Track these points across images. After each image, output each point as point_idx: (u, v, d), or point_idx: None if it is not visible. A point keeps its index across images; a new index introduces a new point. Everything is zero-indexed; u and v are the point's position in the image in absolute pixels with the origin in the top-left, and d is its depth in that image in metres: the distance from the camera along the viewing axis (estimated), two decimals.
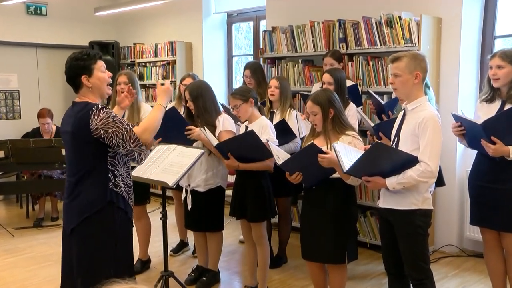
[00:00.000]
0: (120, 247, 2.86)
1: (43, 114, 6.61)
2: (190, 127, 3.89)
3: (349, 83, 4.56)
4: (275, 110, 4.54)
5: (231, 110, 3.98)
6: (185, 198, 4.05)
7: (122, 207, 2.86)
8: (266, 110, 4.53)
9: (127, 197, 2.90)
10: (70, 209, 2.82)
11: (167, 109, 3.25)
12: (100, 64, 2.84)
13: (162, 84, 3.22)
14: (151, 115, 3.03)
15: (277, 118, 4.44)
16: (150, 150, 3.68)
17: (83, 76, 2.79)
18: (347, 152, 2.99)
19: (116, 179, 2.82)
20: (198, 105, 3.98)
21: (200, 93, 4.01)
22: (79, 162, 2.79)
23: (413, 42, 4.57)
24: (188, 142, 3.89)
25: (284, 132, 4.18)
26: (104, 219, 2.79)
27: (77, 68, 2.78)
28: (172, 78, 7.27)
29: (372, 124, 3.85)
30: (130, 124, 2.82)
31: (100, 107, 2.74)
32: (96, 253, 2.79)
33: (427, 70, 2.97)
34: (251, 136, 3.64)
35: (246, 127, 3.97)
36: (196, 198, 4.01)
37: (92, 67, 2.81)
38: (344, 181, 3.21)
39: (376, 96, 4.25)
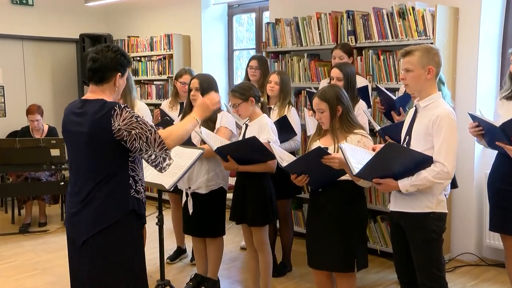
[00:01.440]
0: (135, 257, 2.83)
1: (32, 110, 6.58)
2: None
3: (359, 79, 4.57)
4: (272, 106, 4.57)
5: (231, 107, 4.01)
6: (186, 202, 4.06)
7: (142, 213, 2.85)
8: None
9: (144, 203, 2.89)
10: (82, 219, 2.75)
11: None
12: (129, 70, 2.91)
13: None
14: (182, 123, 2.99)
15: (274, 115, 4.47)
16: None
17: (119, 73, 2.81)
18: (354, 152, 3.01)
19: (137, 184, 2.80)
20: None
21: (211, 86, 4.05)
22: (96, 167, 2.73)
23: (428, 35, 4.58)
24: (187, 141, 3.91)
25: (284, 130, 4.20)
26: (122, 228, 2.75)
27: (120, 64, 2.80)
28: (168, 74, 7.30)
29: (378, 127, 3.87)
30: (154, 126, 2.78)
31: (122, 106, 2.71)
32: (111, 266, 2.76)
33: (440, 65, 2.99)
34: (252, 141, 3.67)
35: (246, 125, 4.00)
36: (197, 201, 4.03)
37: (127, 69, 2.85)
38: (355, 182, 3.22)
39: (386, 91, 4.26)
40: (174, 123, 4.03)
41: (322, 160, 3.12)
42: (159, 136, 2.73)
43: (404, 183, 2.91)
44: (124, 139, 2.67)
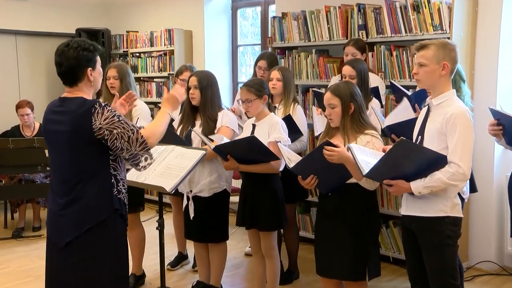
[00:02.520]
0: (118, 260, 2.90)
1: (21, 104, 6.62)
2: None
3: (372, 77, 4.56)
4: (277, 105, 4.56)
5: (239, 102, 4.01)
6: (187, 206, 4.07)
7: (124, 214, 2.92)
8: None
9: (127, 203, 2.96)
10: (65, 220, 2.81)
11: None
12: (99, 57, 2.93)
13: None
14: (158, 120, 3.07)
15: (279, 114, 4.45)
16: None
17: (89, 68, 2.84)
18: (364, 153, 3.01)
19: (119, 184, 2.88)
20: (206, 96, 4.02)
21: (210, 83, 4.06)
22: (78, 166, 2.80)
23: (444, 29, 4.56)
24: (188, 141, 3.92)
25: (289, 130, 4.20)
26: (106, 229, 2.82)
27: (84, 60, 2.82)
28: (169, 71, 7.31)
29: (384, 125, 3.86)
30: (136, 125, 2.87)
31: (103, 104, 2.77)
32: (94, 268, 2.82)
33: (456, 62, 3.00)
34: (251, 141, 3.68)
35: (253, 125, 4.00)
36: (199, 205, 4.03)
37: (96, 59, 2.88)
38: (359, 183, 3.22)
39: (401, 87, 4.25)
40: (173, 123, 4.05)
41: (323, 153, 3.11)
42: (142, 136, 2.82)
43: (417, 185, 2.90)
44: (105, 138, 2.74)
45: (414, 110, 4.04)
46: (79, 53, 2.80)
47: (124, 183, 2.94)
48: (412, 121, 3.27)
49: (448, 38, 4.44)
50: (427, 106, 3.06)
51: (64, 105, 2.83)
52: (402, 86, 4.74)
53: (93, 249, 2.80)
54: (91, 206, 2.79)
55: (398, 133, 3.51)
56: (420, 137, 3.03)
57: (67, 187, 2.82)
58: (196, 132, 3.80)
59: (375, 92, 4.47)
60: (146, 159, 2.87)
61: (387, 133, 3.71)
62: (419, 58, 2.99)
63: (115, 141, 2.75)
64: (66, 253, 2.82)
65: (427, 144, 2.96)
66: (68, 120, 2.77)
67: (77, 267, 2.81)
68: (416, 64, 3.02)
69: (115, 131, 2.74)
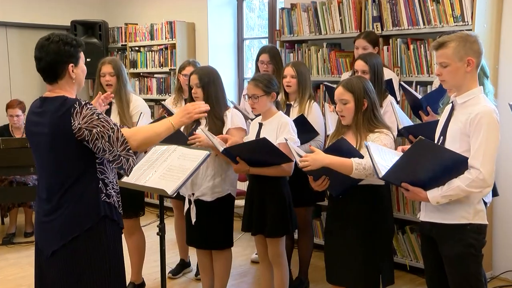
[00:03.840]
0: (112, 268, 2.89)
1: (12, 104, 6.61)
2: (195, 135, 3.91)
3: (385, 72, 4.54)
4: (292, 103, 4.56)
5: (246, 98, 4.01)
6: (188, 210, 4.06)
7: (116, 219, 2.90)
8: (282, 103, 4.54)
9: (119, 206, 2.94)
10: (50, 227, 2.81)
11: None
12: (82, 53, 2.91)
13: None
14: (153, 125, 3.05)
15: (294, 112, 4.47)
16: (145, 152, 3.71)
17: (70, 64, 2.82)
18: (381, 153, 3.00)
19: (107, 188, 2.86)
20: (209, 93, 4.01)
21: (213, 79, 4.05)
22: (60, 171, 2.79)
23: (465, 20, 4.53)
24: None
25: (303, 129, 4.19)
26: (95, 236, 2.81)
27: (66, 55, 2.80)
28: (171, 66, 7.32)
29: (401, 126, 3.85)
30: (118, 124, 2.84)
31: (82, 102, 2.75)
32: (84, 279, 2.81)
33: (481, 54, 2.95)
34: (263, 143, 3.68)
35: (260, 124, 4.00)
36: (201, 209, 4.03)
37: (79, 55, 2.86)
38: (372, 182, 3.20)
39: (408, 87, 4.24)
40: None
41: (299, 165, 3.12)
42: (122, 135, 2.78)
43: (434, 195, 2.89)
44: (86, 139, 2.72)
45: (427, 113, 4.04)
46: (60, 48, 2.78)
47: (114, 185, 2.91)
48: (433, 123, 3.25)
49: (470, 30, 4.42)
50: (451, 104, 3.03)
51: (44, 105, 2.82)
52: (420, 82, 4.76)
53: (82, 257, 2.80)
54: (76, 214, 2.78)
55: (416, 134, 3.49)
56: (442, 137, 3.01)
57: (50, 192, 2.81)
58: (205, 132, 3.79)
59: (389, 85, 4.45)
60: (127, 161, 2.81)
61: (404, 134, 3.70)
62: (439, 58, 2.95)
63: (96, 141, 2.72)
64: (53, 262, 2.82)
65: (449, 145, 2.94)
66: (47, 122, 2.76)
67: (65, 278, 2.81)
68: (437, 64, 2.98)
69: (94, 130, 2.71)
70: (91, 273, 2.82)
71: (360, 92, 3.31)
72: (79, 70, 2.86)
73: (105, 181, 2.85)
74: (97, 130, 2.71)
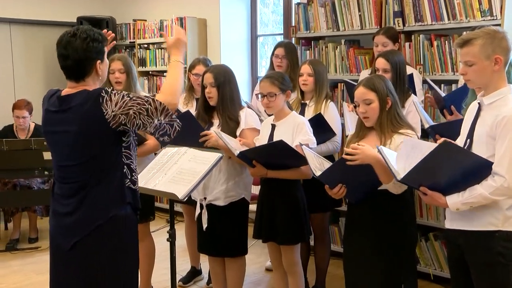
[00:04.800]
0: (130, 261, 2.94)
1: (19, 105, 6.62)
2: (205, 132, 3.91)
3: (408, 70, 4.52)
4: (307, 102, 4.56)
5: (259, 98, 4.00)
6: (200, 214, 4.07)
7: (138, 208, 2.95)
8: (297, 102, 4.57)
9: (139, 196, 2.98)
10: (72, 220, 2.83)
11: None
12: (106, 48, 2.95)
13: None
14: (172, 74, 3.06)
15: (310, 112, 4.47)
16: (155, 154, 3.71)
17: (98, 61, 2.85)
18: (394, 158, 2.98)
19: (133, 174, 2.91)
20: (224, 93, 4.01)
21: (228, 79, 4.05)
22: (88, 167, 2.81)
23: (494, 15, 4.48)
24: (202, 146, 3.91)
25: (320, 129, 4.18)
26: (118, 226, 2.85)
27: (94, 51, 2.83)
28: None
29: (428, 124, 3.82)
30: (149, 95, 2.87)
31: (109, 90, 2.78)
32: (105, 270, 2.84)
33: (510, 50, 2.90)
34: (280, 145, 3.67)
35: (273, 126, 3.99)
36: (214, 214, 4.03)
37: (104, 51, 2.90)
38: (388, 189, 3.18)
39: (434, 85, 4.21)
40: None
41: (344, 156, 3.09)
42: (160, 103, 2.81)
43: (454, 201, 2.86)
44: (123, 122, 2.75)
45: (450, 112, 4.01)
46: (88, 44, 2.80)
47: (137, 173, 2.96)
48: (461, 122, 3.21)
49: (499, 25, 4.37)
50: (477, 105, 2.99)
51: (65, 103, 2.82)
52: (444, 80, 4.73)
53: (104, 249, 2.82)
54: (102, 201, 2.81)
55: (444, 133, 3.47)
56: (469, 140, 2.96)
57: (74, 187, 2.83)
58: (219, 134, 3.78)
59: (410, 80, 4.43)
60: (172, 126, 2.87)
61: (430, 133, 3.67)
62: (464, 56, 2.90)
63: (134, 120, 2.75)
64: (72, 255, 2.84)
65: (476, 149, 2.90)
66: (74, 119, 2.77)
67: (86, 271, 2.83)
68: (462, 62, 2.94)
69: (131, 111, 2.74)
70: (112, 267, 2.85)
71: (384, 90, 3.30)
72: (104, 65, 2.91)
73: (131, 166, 2.89)
74: (134, 110, 2.75)
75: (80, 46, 2.79)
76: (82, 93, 2.79)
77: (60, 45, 2.84)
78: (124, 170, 2.86)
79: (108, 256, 2.84)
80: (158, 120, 2.81)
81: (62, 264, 2.91)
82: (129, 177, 2.88)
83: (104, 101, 2.73)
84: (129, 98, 2.76)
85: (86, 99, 2.76)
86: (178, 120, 2.89)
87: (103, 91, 2.76)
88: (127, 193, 2.87)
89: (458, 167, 2.81)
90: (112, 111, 2.72)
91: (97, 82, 2.90)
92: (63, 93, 2.88)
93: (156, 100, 2.81)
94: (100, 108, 2.73)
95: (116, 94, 2.76)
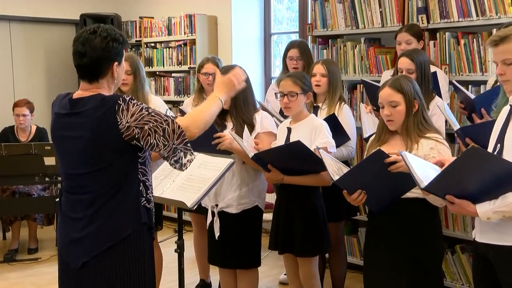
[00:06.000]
0: (146, 279, 2.90)
1: (19, 103, 6.66)
2: (219, 134, 3.90)
3: (433, 70, 4.49)
4: (320, 105, 4.56)
5: (278, 97, 4.01)
6: (211, 222, 4.06)
7: (153, 227, 2.92)
8: (309, 104, 4.53)
9: (154, 214, 2.96)
10: (82, 237, 2.81)
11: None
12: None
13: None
14: (204, 106, 3.07)
15: (322, 115, 4.47)
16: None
17: (116, 62, 2.84)
18: (419, 164, 2.95)
19: (148, 191, 2.88)
20: (238, 96, 3.96)
21: None
22: (100, 177, 2.78)
23: None
24: (215, 149, 3.90)
25: (334, 133, 4.17)
26: (131, 246, 2.82)
27: (114, 52, 2.82)
28: (190, 64, 7.34)
29: (457, 126, 3.79)
30: (170, 116, 2.85)
31: (127, 98, 2.75)
32: None
33: None
34: (297, 147, 3.67)
35: (289, 129, 3.98)
36: (225, 223, 4.03)
37: (123, 53, 2.90)
38: (427, 200, 3.16)
39: (461, 86, 4.18)
40: None
41: (390, 168, 3.07)
42: (179, 127, 2.79)
43: (485, 209, 2.80)
44: (136, 136, 2.72)
45: (481, 115, 3.97)
46: (108, 44, 2.79)
47: (152, 190, 2.94)
48: (492, 123, 3.18)
49: None
50: (509, 107, 2.96)
51: (77, 106, 2.80)
52: (472, 81, 4.69)
53: (115, 269, 2.80)
54: (115, 220, 2.79)
55: (474, 136, 3.43)
56: (499, 145, 2.91)
57: (84, 201, 2.80)
58: (234, 136, 3.78)
59: (433, 79, 4.40)
60: (186, 154, 2.84)
61: (460, 136, 3.64)
62: (501, 55, 2.85)
63: (149, 137, 2.73)
64: (82, 276, 2.82)
65: (507, 155, 2.85)
66: (86, 124, 2.75)
67: None
68: (497, 62, 2.89)
69: (146, 127, 2.72)
70: (124, 286, 2.83)
71: (411, 93, 3.30)
72: (121, 68, 2.89)
73: (146, 183, 2.87)
74: (150, 126, 2.73)
75: (99, 45, 2.78)
76: (96, 98, 2.77)
77: (77, 41, 2.82)
78: (140, 188, 2.83)
79: (121, 278, 2.81)
80: (173, 144, 2.79)
81: (72, 284, 2.90)
82: (145, 195, 2.85)
83: (120, 110, 2.71)
84: (147, 113, 2.74)
85: (100, 104, 2.73)
86: (192, 151, 2.86)
87: (121, 98, 2.74)
88: (143, 212, 2.84)
89: (488, 174, 2.77)
90: (127, 122, 2.70)
91: (112, 86, 2.88)
92: (75, 95, 2.85)
93: (176, 123, 2.79)
94: (114, 116, 2.70)
95: (135, 105, 2.74)
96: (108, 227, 2.77)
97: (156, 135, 2.74)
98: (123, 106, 2.71)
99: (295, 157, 3.73)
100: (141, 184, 2.83)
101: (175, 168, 2.90)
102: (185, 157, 2.85)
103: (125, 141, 2.72)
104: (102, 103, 2.73)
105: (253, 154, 3.73)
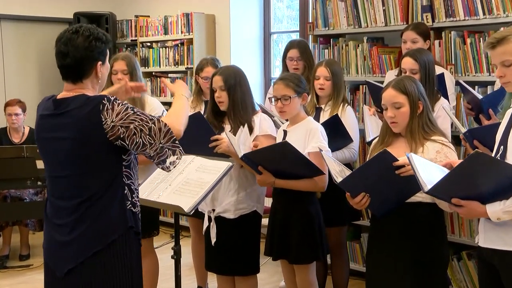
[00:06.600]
0: (134, 285, 2.92)
1: (11, 103, 6.68)
2: (216, 136, 3.90)
3: (438, 70, 4.50)
4: (323, 107, 4.57)
5: (272, 101, 4.01)
6: (208, 228, 4.06)
7: (139, 232, 2.94)
8: (311, 106, 4.58)
9: (140, 219, 2.97)
10: (66, 243, 2.82)
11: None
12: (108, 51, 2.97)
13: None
14: (177, 104, 3.11)
15: (325, 117, 4.48)
16: None
17: (99, 62, 2.86)
18: (426, 167, 2.96)
19: (133, 195, 2.90)
20: (235, 97, 4.02)
21: (239, 81, 4.05)
22: (85, 179, 2.81)
23: None
24: (212, 151, 3.90)
25: (336, 133, 4.18)
26: (119, 250, 2.83)
27: (97, 51, 2.84)
28: (187, 64, 7.36)
29: (464, 129, 3.79)
30: (154, 115, 2.88)
31: (111, 98, 2.78)
32: None
33: None
34: (285, 148, 3.67)
35: (285, 131, 4.00)
36: (223, 228, 4.02)
37: (107, 52, 2.92)
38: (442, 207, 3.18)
39: (469, 87, 4.17)
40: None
41: (398, 172, 3.07)
42: (165, 125, 2.82)
43: (495, 209, 2.82)
44: (121, 136, 2.74)
45: (489, 117, 3.97)
46: (91, 43, 2.82)
47: (138, 194, 2.96)
48: (498, 126, 3.19)
49: None
50: (511, 109, 2.97)
51: (61, 106, 2.82)
52: (478, 82, 4.69)
53: (102, 276, 2.81)
54: (100, 225, 2.80)
55: (483, 138, 3.43)
56: (502, 147, 2.94)
57: (69, 205, 2.82)
58: (227, 134, 3.78)
59: (440, 80, 4.40)
60: (174, 153, 2.85)
61: (467, 138, 3.64)
62: (501, 56, 2.88)
63: (134, 136, 2.74)
64: (68, 282, 2.83)
65: (511, 157, 2.88)
66: (70, 124, 2.77)
67: None
68: (496, 64, 2.92)
69: (131, 126, 2.74)
70: None
71: (415, 93, 3.31)
72: (105, 68, 2.92)
73: (131, 187, 2.89)
74: (135, 125, 2.75)
75: (82, 44, 2.81)
76: (80, 98, 2.79)
77: (60, 41, 2.85)
78: (125, 191, 2.86)
79: (108, 284, 2.83)
80: (160, 143, 2.80)
81: None
82: (130, 199, 2.88)
83: (105, 109, 2.73)
84: (132, 112, 2.76)
85: (85, 104, 2.76)
86: (181, 148, 2.88)
87: (106, 98, 2.76)
88: (129, 216, 2.86)
89: (494, 179, 2.80)
90: (112, 121, 2.72)
91: (96, 86, 2.91)
92: (59, 96, 2.88)
93: (162, 120, 2.82)
94: (99, 116, 2.73)
95: (120, 104, 2.77)
96: (93, 231, 2.79)
97: (142, 134, 2.75)
98: (107, 105, 2.74)
99: (285, 159, 3.73)
100: (126, 187, 2.85)
101: (162, 168, 2.91)
102: (173, 155, 2.85)
103: (110, 142, 2.74)
104: (87, 103, 2.76)
105: (243, 154, 3.73)
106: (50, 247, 2.92)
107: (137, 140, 2.75)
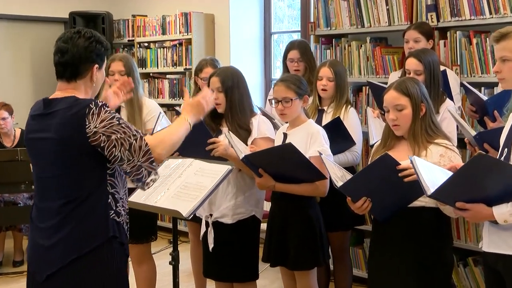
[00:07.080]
0: None
1: None
2: (213, 139, 3.90)
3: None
4: (325, 108, 4.57)
5: (272, 104, 4.01)
6: (205, 233, 4.06)
7: (124, 242, 2.93)
8: (313, 108, 4.59)
9: (127, 228, 2.98)
10: (46, 247, 2.84)
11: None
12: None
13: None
14: (172, 128, 3.09)
15: (327, 119, 4.49)
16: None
17: (96, 65, 2.91)
18: (430, 171, 2.96)
19: (117, 204, 2.91)
20: (233, 99, 4.02)
21: (237, 83, 4.05)
22: (67, 183, 2.83)
23: None
24: (208, 155, 3.90)
25: (338, 136, 4.18)
26: (100, 260, 2.83)
27: (96, 53, 2.90)
28: (186, 65, 7.35)
29: (473, 133, 3.79)
30: (140, 131, 2.87)
31: (99, 103, 2.80)
32: None
33: None
34: (288, 149, 3.66)
35: (285, 134, 4.00)
36: (221, 234, 4.03)
37: (105, 59, 2.97)
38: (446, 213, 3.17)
39: (472, 88, 4.17)
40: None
41: (401, 175, 3.07)
42: (146, 144, 2.82)
43: (502, 211, 2.82)
44: (101, 145, 2.76)
45: (494, 119, 3.97)
46: (91, 44, 2.89)
47: (124, 203, 2.96)
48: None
49: None
50: None
51: (50, 107, 2.85)
52: (484, 83, 4.70)
53: (82, 285, 2.81)
54: (80, 233, 2.81)
55: (493, 141, 3.43)
56: (506, 149, 2.96)
57: (52, 208, 2.84)
58: (227, 135, 3.79)
59: (443, 78, 4.39)
60: (149, 173, 2.86)
61: (477, 142, 3.64)
62: (501, 51, 2.93)
63: (114, 149, 2.76)
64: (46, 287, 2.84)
65: None
66: (55, 124, 2.79)
67: None
68: (497, 59, 2.95)
69: (113, 136, 2.76)
70: None
71: (418, 95, 3.31)
72: (100, 74, 2.96)
73: (115, 196, 2.90)
74: (117, 137, 2.77)
75: (82, 43, 2.87)
76: (70, 99, 2.83)
77: (60, 40, 2.90)
78: (109, 200, 2.87)
79: None
80: (138, 161, 2.81)
81: None
82: (114, 208, 2.88)
83: (91, 113, 2.76)
84: (117, 123, 2.79)
85: (72, 106, 2.79)
86: (157, 171, 2.89)
87: (94, 102, 2.79)
88: (112, 225, 2.86)
89: (498, 181, 2.80)
90: (95, 127, 2.75)
91: (89, 91, 2.94)
92: (51, 96, 2.91)
93: (144, 140, 2.82)
94: (83, 119, 2.75)
95: (107, 112, 2.79)
96: (73, 237, 2.81)
97: (122, 148, 2.77)
98: (94, 110, 2.76)
99: (287, 162, 3.72)
100: (110, 196, 2.87)
101: (136, 186, 2.95)
102: (148, 176, 2.87)
103: (92, 146, 2.76)
104: (74, 105, 2.79)
105: (244, 155, 3.73)
106: (33, 251, 2.94)
107: (116, 154, 2.77)
